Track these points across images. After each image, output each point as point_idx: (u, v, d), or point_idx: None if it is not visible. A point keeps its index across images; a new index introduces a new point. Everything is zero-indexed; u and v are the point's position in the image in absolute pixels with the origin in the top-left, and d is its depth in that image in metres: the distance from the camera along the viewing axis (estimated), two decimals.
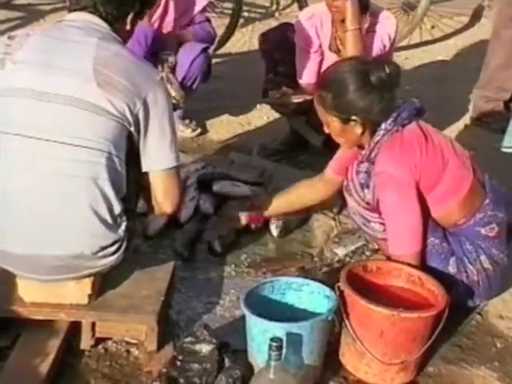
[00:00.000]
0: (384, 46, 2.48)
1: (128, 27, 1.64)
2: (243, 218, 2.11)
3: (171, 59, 2.64)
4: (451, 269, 1.74)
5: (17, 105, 1.51)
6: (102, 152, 1.51)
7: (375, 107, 1.73)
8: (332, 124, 1.79)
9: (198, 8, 2.73)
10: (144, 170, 1.61)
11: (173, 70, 2.65)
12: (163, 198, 1.63)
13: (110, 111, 1.49)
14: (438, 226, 1.78)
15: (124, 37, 1.65)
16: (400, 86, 1.78)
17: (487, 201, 1.79)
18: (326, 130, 1.84)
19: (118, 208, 1.56)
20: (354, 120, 1.75)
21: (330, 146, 2.09)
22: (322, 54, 2.55)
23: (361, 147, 1.84)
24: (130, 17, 1.62)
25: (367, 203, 1.79)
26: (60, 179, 1.50)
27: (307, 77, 2.56)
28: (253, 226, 2.13)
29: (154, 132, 1.57)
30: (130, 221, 1.62)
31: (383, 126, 1.75)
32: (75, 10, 1.59)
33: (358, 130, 1.76)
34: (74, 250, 1.53)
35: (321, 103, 1.78)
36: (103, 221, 1.53)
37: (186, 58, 2.64)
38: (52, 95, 1.49)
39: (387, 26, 2.48)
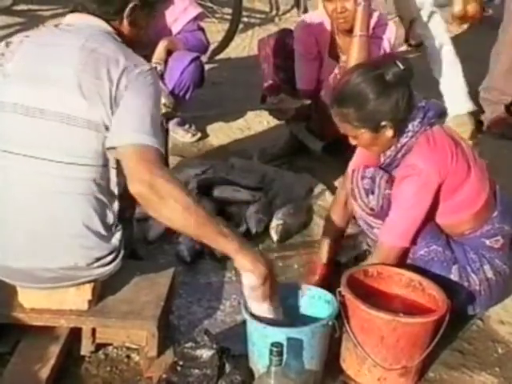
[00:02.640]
0: (384, 52, 2.48)
1: (125, 23, 1.57)
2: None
3: (160, 68, 2.63)
4: (453, 277, 1.74)
5: (6, 120, 1.50)
6: (93, 167, 1.49)
7: (401, 105, 1.69)
8: (362, 136, 1.73)
9: (189, 17, 2.72)
10: (111, 144, 1.45)
11: (161, 78, 2.65)
12: (129, 178, 1.42)
13: (99, 122, 1.46)
14: (441, 234, 1.77)
15: (128, 36, 1.58)
16: (414, 76, 1.73)
17: (496, 213, 1.78)
18: (353, 143, 1.78)
19: (111, 219, 1.54)
20: (384, 125, 1.70)
21: (330, 151, 2.08)
22: (321, 61, 2.56)
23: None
24: (125, 12, 1.56)
25: (371, 209, 1.78)
26: (50, 196, 1.48)
27: (306, 83, 2.56)
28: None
29: (128, 106, 1.45)
30: (126, 229, 1.60)
31: (410, 127, 1.72)
32: (70, 12, 1.59)
33: (390, 133, 1.71)
34: (68, 262, 1.52)
35: (345, 120, 1.73)
36: (96, 233, 1.52)
37: (176, 68, 2.63)
38: (39, 111, 1.47)
39: (387, 32, 2.48)
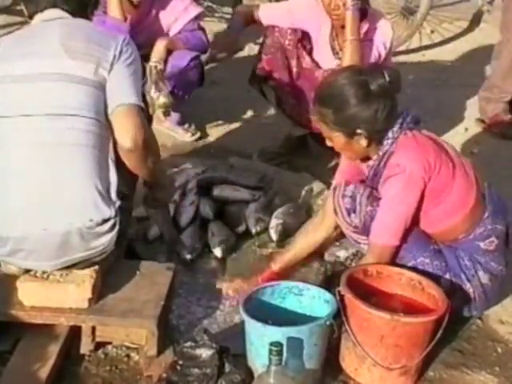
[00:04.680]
0: (379, 55, 2.46)
1: (89, 16, 1.78)
2: (255, 284, 1.82)
3: (160, 67, 2.64)
4: (443, 286, 1.69)
5: (8, 90, 1.59)
6: (90, 119, 1.57)
7: (379, 117, 1.68)
8: (336, 139, 1.74)
9: (189, 16, 2.71)
10: (109, 116, 1.61)
11: (162, 77, 2.65)
12: (122, 134, 1.59)
13: (87, 77, 1.58)
14: (428, 244, 1.76)
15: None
16: (401, 90, 1.76)
17: (486, 214, 1.76)
18: (329, 144, 1.79)
19: (111, 181, 1.59)
20: (359, 133, 1.70)
21: (317, 139, 2.03)
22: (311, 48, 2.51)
23: (364, 160, 1.80)
24: (88, 9, 1.77)
25: (355, 227, 1.79)
26: (54, 149, 1.55)
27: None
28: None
29: (118, 76, 1.62)
30: (124, 202, 1.63)
31: (390, 134, 1.72)
32: (38, 12, 1.70)
33: (364, 142, 1.71)
34: (64, 222, 1.54)
35: (322, 120, 1.73)
36: (97, 189, 1.56)
37: (176, 67, 2.63)
38: (31, 76, 1.58)
39: (382, 35, 2.45)
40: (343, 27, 2.39)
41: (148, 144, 1.62)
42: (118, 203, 1.59)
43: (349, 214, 1.79)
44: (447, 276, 1.74)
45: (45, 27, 1.67)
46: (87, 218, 1.54)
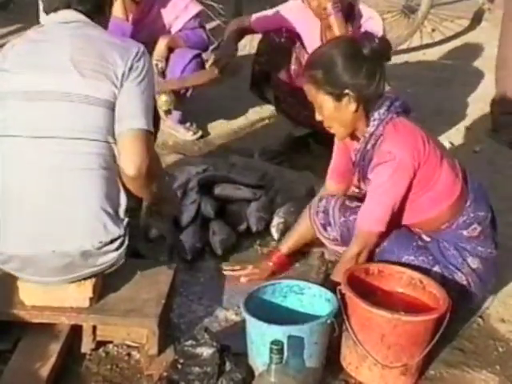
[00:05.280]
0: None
1: (107, 15, 1.70)
2: (267, 268, 1.91)
3: (161, 65, 2.64)
4: (435, 279, 1.69)
5: (8, 108, 1.55)
6: (99, 142, 1.53)
7: (369, 80, 1.68)
8: (325, 105, 1.72)
9: (190, 14, 2.72)
10: (116, 137, 1.55)
11: (163, 75, 2.65)
12: (125, 158, 1.53)
13: (98, 97, 1.53)
14: (410, 240, 1.76)
15: (104, 24, 1.68)
16: (390, 59, 1.75)
17: (468, 202, 1.76)
18: (319, 118, 1.76)
19: (120, 201, 1.57)
20: (347, 94, 1.68)
21: (316, 140, 2.03)
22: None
23: (353, 138, 1.79)
24: (106, 6, 1.68)
25: (334, 240, 1.81)
26: (62, 173, 1.52)
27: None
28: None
29: (127, 95, 1.55)
30: (131, 218, 1.61)
31: (376, 115, 1.71)
32: (49, 12, 1.65)
33: (352, 106, 1.69)
34: (74, 244, 1.53)
35: (311, 82, 1.72)
36: (106, 212, 1.54)
37: (177, 65, 2.64)
38: (41, 93, 1.53)
39: (373, 26, 2.42)
40: (331, 28, 2.39)
41: (152, 172, 1.57)
42: (126, 220, 1.58)
43: (325, 229, 1.84)
44: (436, 269, 1.74)
45: (58, 34, 1.59)
46: (97, 240, 1.53)
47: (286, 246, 1.96)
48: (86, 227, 1.53)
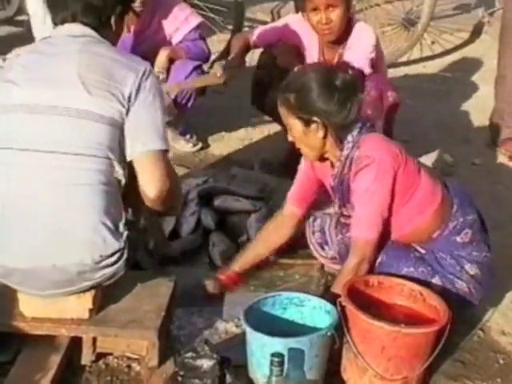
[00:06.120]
0: (367, 58, 2.39)
1: (114, 28, 1.67)
2: (212, 286, 1.90)
3: (162, 76, 2.66)
4: (436, 289, 1.70)
5: (11, 121, 1.55)
6: (100, 158, 1.53)
7: (337, 109, 1.71)
8: (294, 127, 1.76)
9: (190, 26, 2.75)
10: (128, 158, 1.56)
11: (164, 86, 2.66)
12: (146, 181, 1.55)
13: (103, 115, 1.52)
14: (408, 253, 1.77)
15: (111, 38, 1.67)
16: (363, 92, 1.80)
17: (455, 207, 1.78)
18: (290, 138, 1.80)
19: (120, 215, 1.57)
20: (315, 121, 1.72)
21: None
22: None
23: (321, 159, 1.81)
24: (112, 20, 1.65)
25: (332, 258, 1.82)
26: (62, 188, 1.51)
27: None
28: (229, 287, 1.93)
29: (139, 115, 1.55)
30: (130, 231, 1.61)
31: (349, 138, 1.75)
32: (57, 24, 1.64)
33: (320, 133, 1.73)
34: (74, 259, 1.53)
35: (284, 104, 1.76)
36: (106, 226, 1.54)
37: (178, 75, 2.65)
38: (44, 107, 1.53)
39: (364, 38, 2.42)
40: (335, 42, 2.41)
41: (173, 192, 1.58)
42: (125, 233, 1.57)
43: (322, 248, 1.85)
44: (436, 279, 1.75)
45: (66, 48, 1.58)
46: (97, 254, 1.53)
47: (239, 266, 1.94)
48: (85, 241, 1.53)
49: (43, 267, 1.53)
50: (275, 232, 1.99)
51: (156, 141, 1.55)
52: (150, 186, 1.54)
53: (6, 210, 1.54)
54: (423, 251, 1.79)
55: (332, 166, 1.82)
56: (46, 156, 1.52)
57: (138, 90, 1.55)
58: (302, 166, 1.95)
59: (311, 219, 1.90)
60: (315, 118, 1.72)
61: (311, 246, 1.88)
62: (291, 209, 1.97)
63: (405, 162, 1.71)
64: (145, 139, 1.55)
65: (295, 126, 1.76)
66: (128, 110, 1.54)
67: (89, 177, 1.52)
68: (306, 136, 1.75)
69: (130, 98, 1.54)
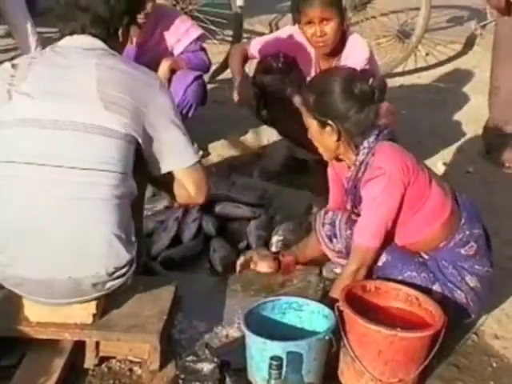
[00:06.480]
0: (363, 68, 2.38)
1: (121, 39, 1.70)
2: (242, 262, 2.07)
3: None
4: (435, 296, 1.73)
5: (23, 134, 1.54)
6: (113, 173, 1.54)
7: (351, 116, 1.76)
8: (311, 127, 1.83)
9: (191, 38, 2.78)
10: (164, 171, 1.66)
11: None
12: (195, 192, 1.71)
13: (119, 131, 1.54)
14: (412, 258, 1.79)
15: (118, 49, 1.69)
16: (383, 100, 1.82)
17: (463, 220, 1.81)
18: (309, 135, 1.86)
19: (132, 228, 1.59)
20: (330, 125, 1.77)
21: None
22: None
23: (338, 160, 1.86)
24: (120, 31, 1.68)
25: (339, 252, 1.84)
26: (74, 203, 1.52)
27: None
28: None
29: (167, 134, 1.61)
30: (139, 241, 1.64)
31: (365, 143, 1.78)
32: (64, 35, 1.64)
33: (334, 137, 1.78)
34: (90, 271, 1.55)
35: (304, 103, 1.83)
36: (120, 239, 1.55)
37: (179, 86, 2.68)
38: (61, 122, 1.53)
39: (358, 51, 2.43)
40: (330, 55, 2.44)
41: (210, 188, 1.77)
42: (136, 244, 1.61)
43: (331, 241, 1.87)
44: (436, 286, 1.77)
45: (80, 61, 1.58)
46: (112, 266, 1.56)
47: (303, 255, 2.05)
48: (101, 254, 1.54)
49: (58, 279, 1.55)
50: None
51: (189, 155, 1.67)
52: (200, 195, 1.72)
53: (14, 222, 1.54)
54: (427, 257, 1.81)
55: (348, 167, 1.86)
56: (59, 170, 1.51)
57: (156, 106, 1.58)
58: (329, 174, 1.99)
59: (323, 211, 1.91)
60: (330, 122, 1.78)
61: (320, 238, 1.89)
62: None
63: (416, 174, 1.74)
64: (179, 155, 1.65)
65: (312, 125, 1.82)
66: (146, 126, 1.57)
67: (102, 192, 1.53)
68: (321, 136, 1.82)
69: (146, 113, 1.57)
